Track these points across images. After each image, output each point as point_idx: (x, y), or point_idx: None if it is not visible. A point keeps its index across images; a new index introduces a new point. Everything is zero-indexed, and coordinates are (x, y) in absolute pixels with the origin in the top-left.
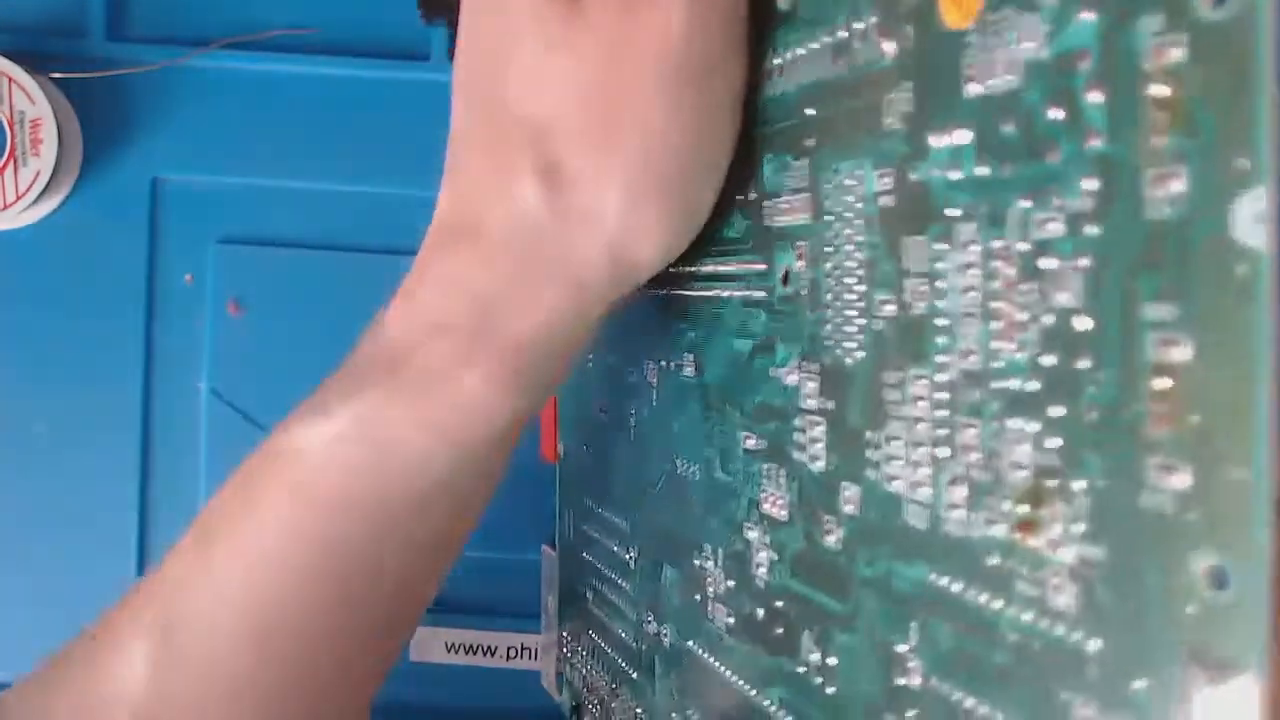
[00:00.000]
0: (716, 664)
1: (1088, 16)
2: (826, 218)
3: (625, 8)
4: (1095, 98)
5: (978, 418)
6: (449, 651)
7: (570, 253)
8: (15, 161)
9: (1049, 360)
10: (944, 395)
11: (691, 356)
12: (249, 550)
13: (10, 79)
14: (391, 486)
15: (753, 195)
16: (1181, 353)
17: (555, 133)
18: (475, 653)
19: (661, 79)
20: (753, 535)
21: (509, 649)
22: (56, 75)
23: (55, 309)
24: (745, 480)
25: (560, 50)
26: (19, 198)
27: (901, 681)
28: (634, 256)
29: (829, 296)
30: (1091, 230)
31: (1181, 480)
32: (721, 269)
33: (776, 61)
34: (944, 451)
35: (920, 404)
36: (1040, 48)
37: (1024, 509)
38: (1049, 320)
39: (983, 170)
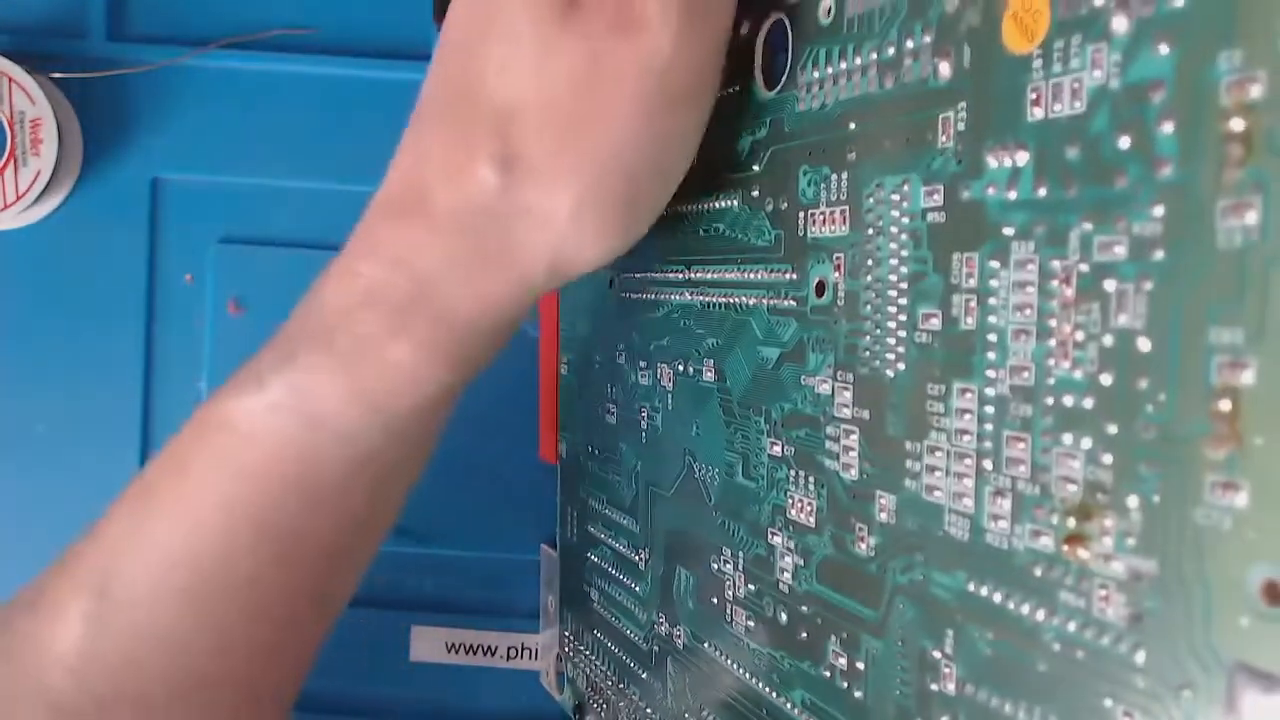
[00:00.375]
0: (735, 666)
1: (1164, 49)
2: (868, 231)
3: (618, 25)
4: (1168, 128)
5: (1026, 432)
6: (449, 651)
7: (515, 246)
8: (15, 161)
9: (1106, 379)
10: (990, 409)
11: (711, 361)
12: (184, 516)
13: (10, 79)
14: (322, 456)
15: (784, 205)
16: (1247, 376)
17: (525, 125)
18: (475, 653)
19: (638, 101)
20: (777, 540)
21: (509, 649)
22: (57, 75)
23: (55, 309)
24: (769, 486)
25: (549, 49)
26: (19, 198)
27: (935, 687)
28: (575, 258)
29: (868, 308)
30: (1157, 255)
31: (1241, 498)
32: (748, 277)
33: (815, 75)
34: (989, 464)
35: (965, 416)
36: (1110, 76)
37: (1072, 523)
38: (1108, 340)
39: (1042, 191)
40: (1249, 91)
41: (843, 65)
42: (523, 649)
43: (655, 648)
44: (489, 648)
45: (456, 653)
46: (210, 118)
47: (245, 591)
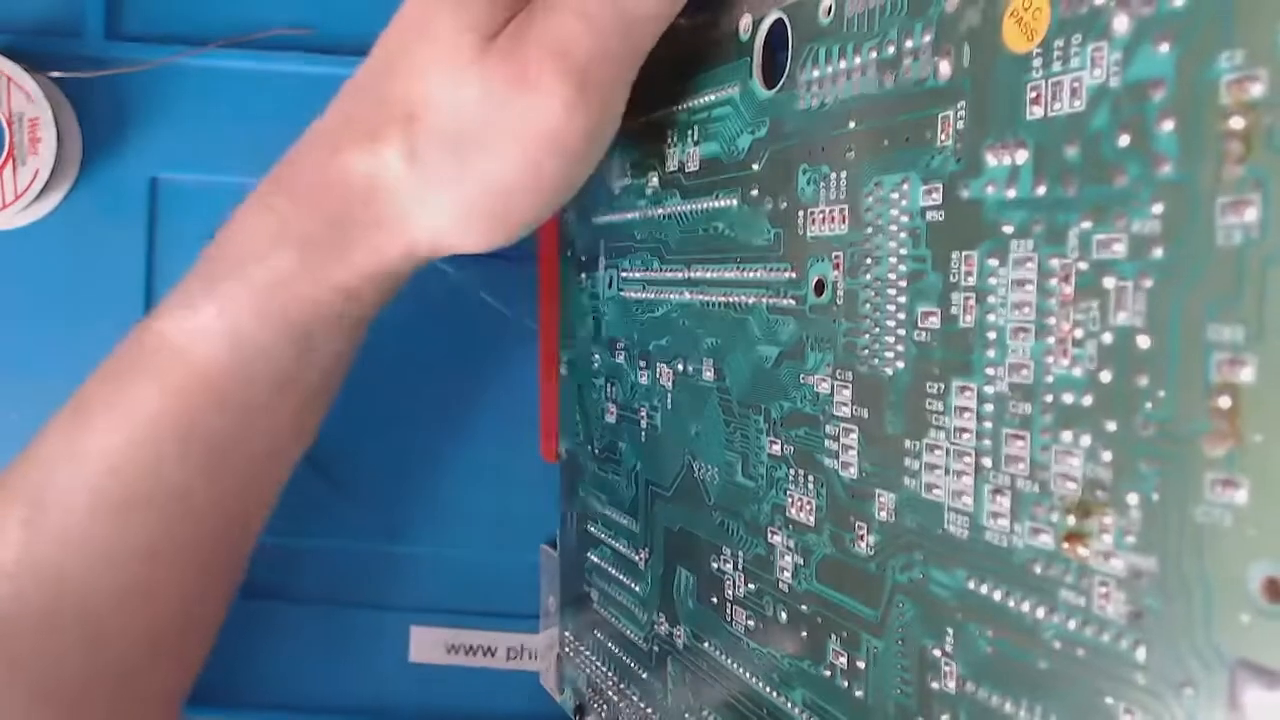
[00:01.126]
0: (734, 665)
1: (1164, 48)
2: (867, 229)
3: (515, 81)
4: (1167, 126)
5: (1026, 430)
6: (449, 652)
7: (407, 220)
8: (14, 161)
9: (1105, 376)
10: (990, 407)
11: (711, 361)
12: (115, 430)
13: (9, 78)
14: (248, 375)
15: (784, 205)
16: (1246, 373)
17: (427, 130)
18: (475, 653)
19: (522, 147)
20: (776, 539)
21: (509, 650)
22: (55, 75)
23: (54, 308)
24: (769, 485)
25: (457, 78)
26: (18, 197)
27: (935, 685)
28: (457, 245)
29: (867, 307)
30: (1157, 253)
31: (1240, 495)
32: (747, 275)
33: (815, 74)
34: (988, 462)
35: (965, 415)
36: (1110, 75)
37: (1072, 520)
38: (1107, 338)
39: (1041, 190)
40: (1249, 90)
41: (842, 64)
42: (523, 650)
43: (655, 648)
44: (489, 648)
45: (456, 654)
46: (208, 117)
47: (174, 503)
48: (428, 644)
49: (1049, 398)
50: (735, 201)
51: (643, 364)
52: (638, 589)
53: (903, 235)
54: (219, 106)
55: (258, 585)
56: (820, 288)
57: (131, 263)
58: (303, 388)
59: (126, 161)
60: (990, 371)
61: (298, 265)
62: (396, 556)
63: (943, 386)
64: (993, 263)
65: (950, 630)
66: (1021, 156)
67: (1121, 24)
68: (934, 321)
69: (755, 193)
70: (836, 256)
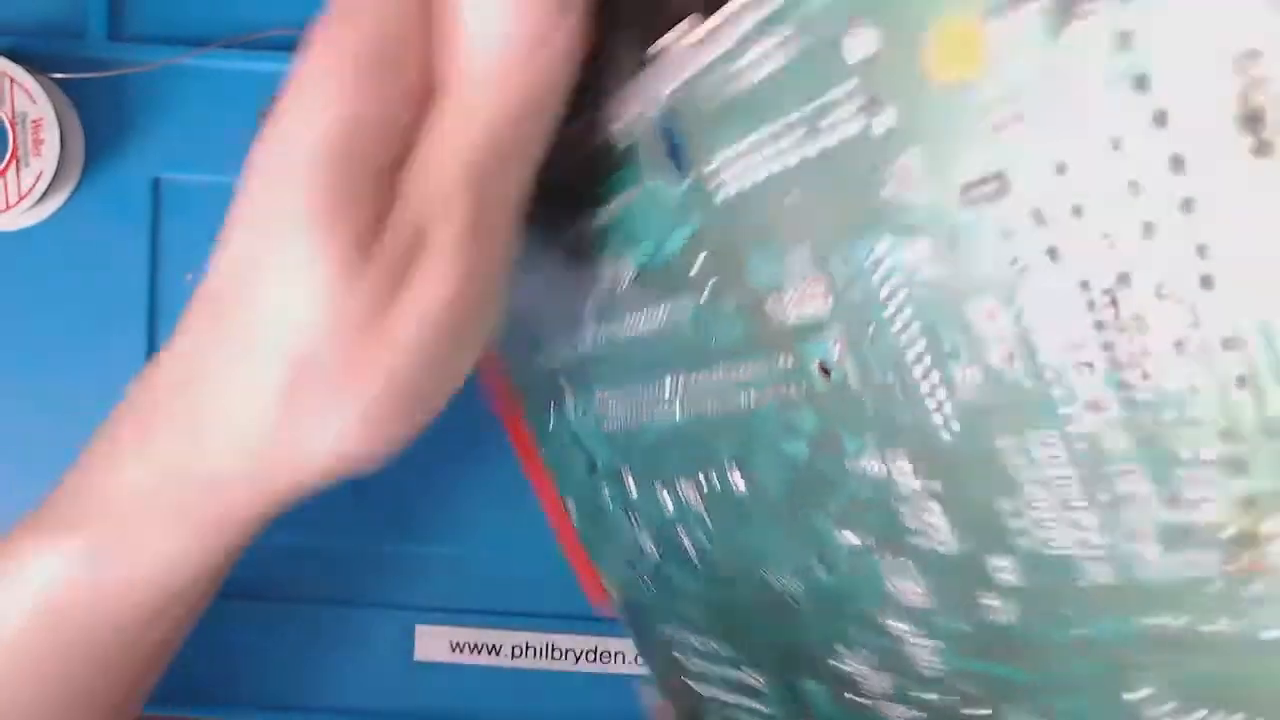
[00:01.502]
0: None
1: None
2: (856, 299)
3: (394, 282)
4: None
5: (1136, 464)
6: (454, 651)
7: (296, 455)
8: (17, 162)
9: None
10: (1083, 446)
11: (736, 469)
12: None
13: (11, 79)
14: (104, 615)
15: (747, 296)
16: None
17: (312, 352)
18: (481, 652)
19: (409, 349)
20: (902, 627)
21: (514, 648)
22: (58, 76)
23: (57, 309)
24: (866, 576)
25: (335, 304)
26: (22, 198)
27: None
28: (361, 457)
29: (890, 378)
30: None
31: None
32: (736, 378)
33: (728, 154)
34: (1105, 497)
35: (1056, 462)
36: None
37: (1232, 531)
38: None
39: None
40: None
41: (757, 137)
42: (527, 647)
43: None
44: (494, 647)
45: (461, 652)
46: (211, 118)
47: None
48: (432, 643)
49: (1148, 419)
50: (689, 309)
51: (660, 485)
52: (767, 709)
53: (900, 296)
54: (222, 107)
55: (259, 585)
56: (826, 370)
57: (135, 263)
58: (170, 619)
59: (129, 162)
60: (1065, 411)
61: (170, 522)
62: (401, 555)
63: (1018, 440)
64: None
65: (1138, 673)
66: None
67: None
68: (975, 376)
69: (708, 294)
70: (834, 334)
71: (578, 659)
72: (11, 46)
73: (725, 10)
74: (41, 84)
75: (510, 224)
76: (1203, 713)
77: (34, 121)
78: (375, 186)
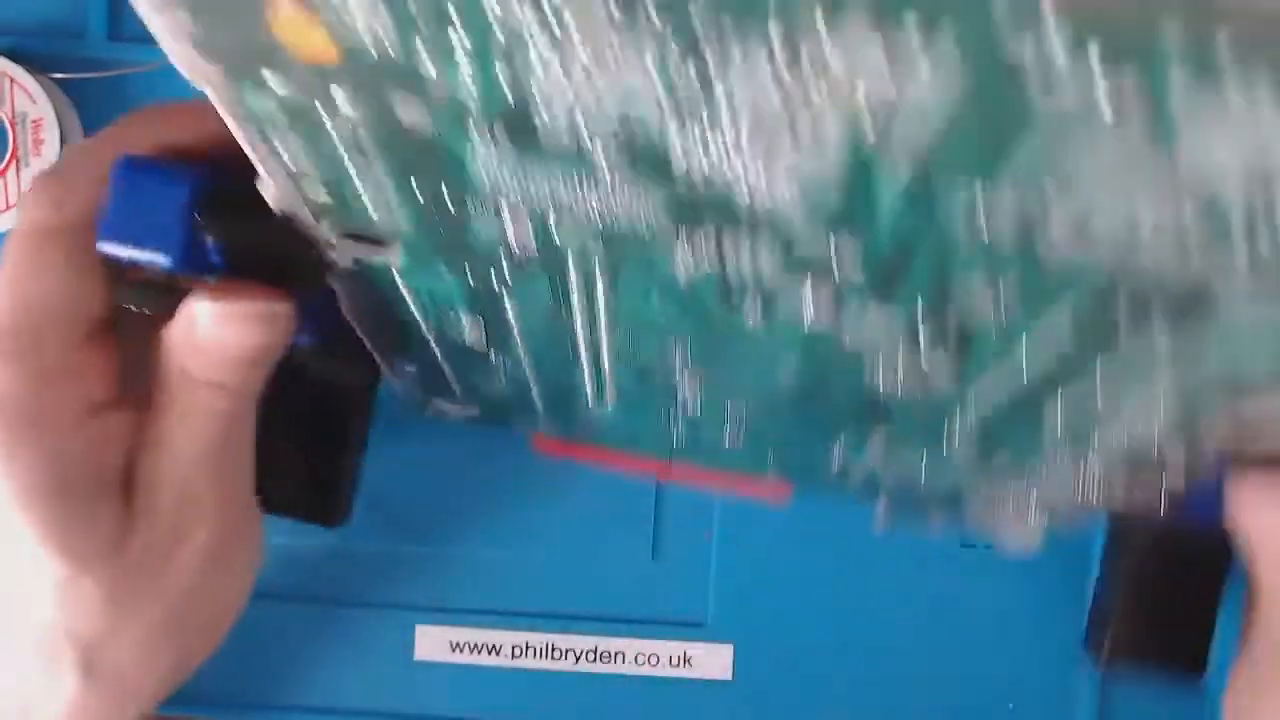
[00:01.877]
0: None
1: None
2: None
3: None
4: None
5: None
6: (454, 650)
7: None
8: (17, 162)
9: None
10: None
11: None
12: None
13: (11, 79)
14: None
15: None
16: None
17: (100, 640)
18: (480, 651)
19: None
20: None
21: (514, 648)
22: (58, 76)
23: None
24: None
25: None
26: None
27: None
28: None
29: None
30: None
31: None
32: None
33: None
34: None
35: None
36: None
37: None
38: None
39: None
40: None
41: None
42: (527, 647)
43: None
44: (494, 647)
45: (461, 652)
46: None
47: None
48: (432, 643)
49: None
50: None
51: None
52: None
53: None
54: None
55: (259, 585)
56: None
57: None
58: None
59: None
60: None
61: None
62: (401, 555)
63: None
64: None
65: None
66: None
67: None
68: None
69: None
70: None
71: (578, 659)
72: (11, 46)
73: None
74: (41, 84)
75: (249, 465)
76: None
77: (34, 121)
78: (97, 500)
